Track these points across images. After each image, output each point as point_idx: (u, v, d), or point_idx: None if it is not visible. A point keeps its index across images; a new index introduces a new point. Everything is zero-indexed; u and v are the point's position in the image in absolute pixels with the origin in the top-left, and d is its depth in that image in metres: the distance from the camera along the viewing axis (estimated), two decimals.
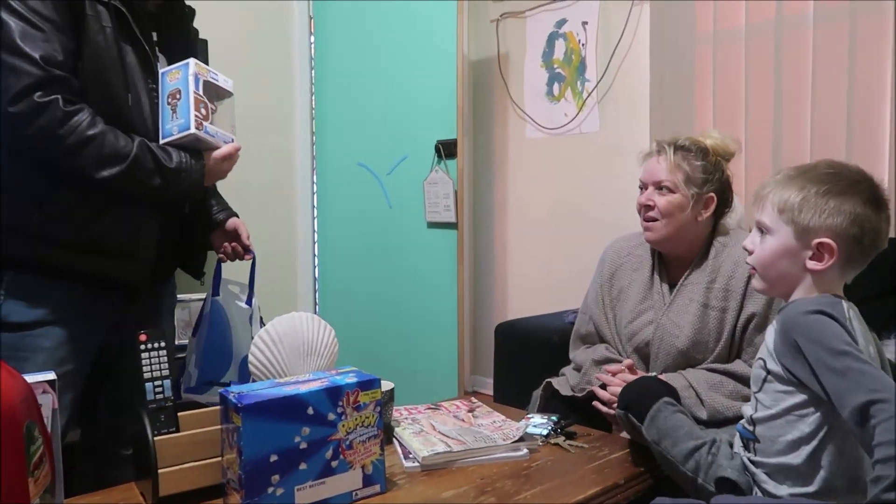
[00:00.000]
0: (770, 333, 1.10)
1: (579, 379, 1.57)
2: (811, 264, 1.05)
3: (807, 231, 1.05)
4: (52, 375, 1.03)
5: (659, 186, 1.47)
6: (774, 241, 1.08)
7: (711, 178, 1.46)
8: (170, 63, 1.46)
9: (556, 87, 2.88)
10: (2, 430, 0.82)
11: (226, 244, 1.66)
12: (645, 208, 1.50)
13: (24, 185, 1.33)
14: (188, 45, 1.57)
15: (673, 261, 1.55)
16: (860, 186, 1.05)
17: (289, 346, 1.24)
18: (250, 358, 1.26)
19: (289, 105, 3.13)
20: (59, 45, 1.27)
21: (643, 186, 1.52)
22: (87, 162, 1.29)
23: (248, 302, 1.64)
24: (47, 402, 1.00)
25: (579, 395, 1.53)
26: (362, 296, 3.04)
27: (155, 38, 1.46)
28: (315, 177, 3.23)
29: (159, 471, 1.06)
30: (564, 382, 1.62)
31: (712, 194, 1.47)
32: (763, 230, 1.11)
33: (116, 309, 1.47)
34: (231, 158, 1.48)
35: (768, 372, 1.08)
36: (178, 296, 1.72)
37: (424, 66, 2.76)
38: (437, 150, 2.70)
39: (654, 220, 1.48)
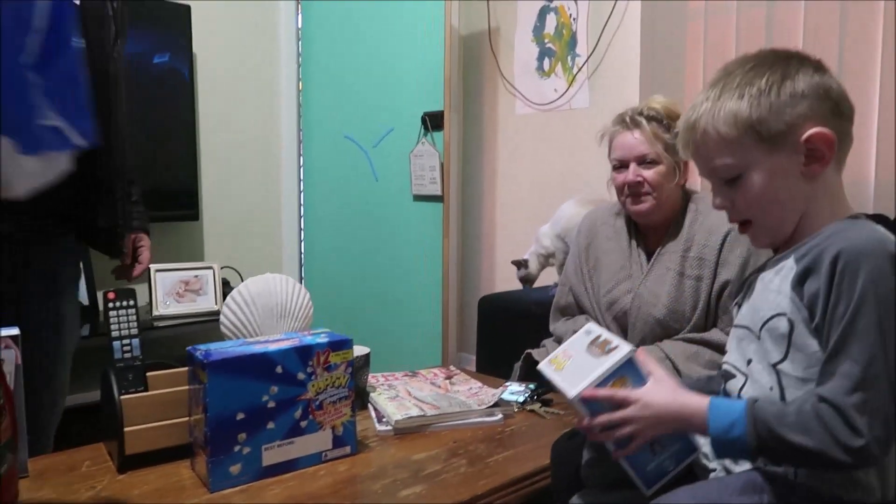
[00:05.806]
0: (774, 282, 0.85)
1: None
2: (813, 169, 0.82)
3: (782, 135, 0.82)
4: (15, 331, 1.01)
5: (643, 160, 1.45)
6: (756, 174, 0.83)
7: None
8: None
9: (546, 62, 2.84)
10: None
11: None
12: (634, 186, 1.45)
13: None
14: None
15: (650, 229, 1.53)
16: (793, 61, 0.85)
17: (262, 307, 1.23)
18: (222, 318, 1.24)
19: (274, 77, 3.08)
20: None
21: (622, 165, 1.48)
22: None
23: None
24: (10, 358, 0.98)
25: None
26: (347, 268, 3.02)
27: None
28: (301, 148, 3.19)
29: (125, 430, 1.05)
30: (545, 354, 1.61)
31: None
32: (726, 176, 0.85)
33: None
34: None
35: (793, 326, 0.80)
36: None
37: (412, 39, 2.71)
38: (424, 121, 2.66)
39: (646, 194, 1.45)
